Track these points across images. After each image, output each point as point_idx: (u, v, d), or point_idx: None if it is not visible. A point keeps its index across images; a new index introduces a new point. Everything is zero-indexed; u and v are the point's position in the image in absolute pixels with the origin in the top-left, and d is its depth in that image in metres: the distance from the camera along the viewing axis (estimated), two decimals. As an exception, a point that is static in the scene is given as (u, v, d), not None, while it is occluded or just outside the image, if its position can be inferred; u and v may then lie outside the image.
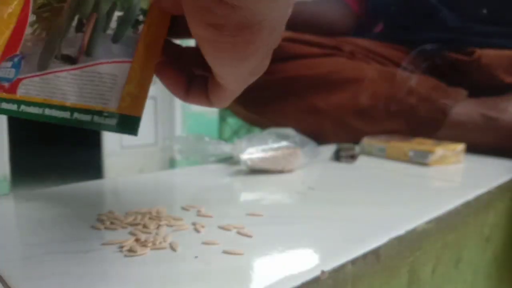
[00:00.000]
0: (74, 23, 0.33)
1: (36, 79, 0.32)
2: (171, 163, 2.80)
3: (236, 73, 0.24)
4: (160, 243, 0.25)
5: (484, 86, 0.69)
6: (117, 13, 0.34)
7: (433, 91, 0.65)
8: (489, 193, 0.41)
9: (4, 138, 2.14)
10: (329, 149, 0.58)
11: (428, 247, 0.32)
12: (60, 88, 0.32)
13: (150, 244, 0.24)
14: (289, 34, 0.73)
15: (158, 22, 0.34)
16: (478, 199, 0.38)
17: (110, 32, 0.33)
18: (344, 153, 0.53)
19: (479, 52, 0.70)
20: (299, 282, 0.21)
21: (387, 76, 0.68)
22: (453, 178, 0.48)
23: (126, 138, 2.77)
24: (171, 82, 0.28)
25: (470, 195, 0.38)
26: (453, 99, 0.64)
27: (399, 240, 0.28)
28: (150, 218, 0.29)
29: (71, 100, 0.32)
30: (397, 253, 0.28)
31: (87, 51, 0.32)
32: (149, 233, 0.27)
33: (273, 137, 0.47)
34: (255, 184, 0.42)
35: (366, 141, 0.60)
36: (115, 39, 0.33)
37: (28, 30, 0.31)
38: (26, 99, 0.32)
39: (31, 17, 0.31)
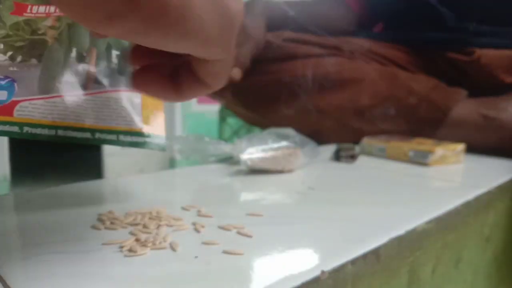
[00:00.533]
0: (74, 54, 0.34)
1: (40, 102, 0.32)
2: (171, 163, 2.80)
3: (201, 36, 0.20)
4: (160, 243, 0.25)
5: (484, 86, 0.69)
6: (115, 52, 0.36)
7: (433, 91, 0.65)
8: (489, 193, 0.41)
9: (4, 138, 2.14)
10: (329, 149, 0.58)
11: (428, 247, 0.32)
12: (73, 111, 0.34)
13: (150, 244, 0.24)
14: (289, 34, 0.73)
15: None
16: (478, 199, 0.38)
17: (114, 66, 0.36)
18: (344, 153, 0.53)
19: (478, 52, 0.70)
20: (299, 282, 0.21)
21: (387, 76, 0.68)
22: (453, 178, 0.48)
23: (126, 138, 2.76)
24: (154, 89, 0.25)
25: (470, 195, 0.38)
26: (453, 99, 0.64)
27: (399, 240, 0.28)
28: (150, 218, 0.29)
29: (89, 121, 0.34)
30: (397, 253, 0.28)
31: (97, 80, 0.35)
32: (149, 233, 0.27)
33: (273, 137, 0.47)
34: (255, 184, 0.42)
35: (366, 141, 0.60)
36: (121, 72, 0.36)
37: (1, 57, 0.31)
38: (29, 121, 0.32)
39: None
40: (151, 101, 0.38)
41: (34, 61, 0.33)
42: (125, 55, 0.37)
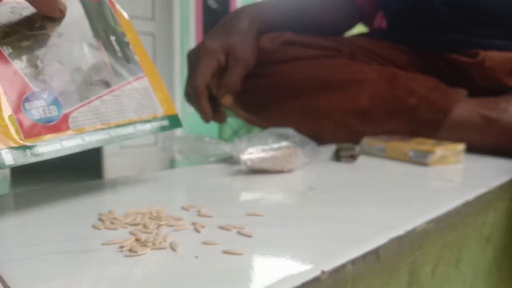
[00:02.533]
0: (86, 50, 0.34)
1: (84, 108, 0.32)
2: (171, 163, 2.80)
3: None
4: (160, 243, 0.25)
5: (486, 89, 0.68)
6: (112, 37, 0.37)
7: (433, 92, 0.65)
8: (489, 193, 0.41)
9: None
10: (329, 149, 0.58)
11: (428, 247, 0.32)
12: (112, 110, 0.34)
13: (150, 244, 0.24)
14: (289, 36, 0.73)
15: (134, 37, 0.39)
16: (478, 199, 0.38)
17: (119, 54, 0.37)
18: (344, 153, 0.53)
19: (482, 54, 0.69)
20: (299, 282, 0.21)
21: (387, 77, 0.68)
22: (453, 178, 0.48)
23: (126, 138, 2.77)
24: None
25: (470, 195, 0.38)
26: (453, 99, 0.64)
27: (399, 240, 0.28)
28: (150, 218, 0.29)
29: (126, 117, 0.35)
30: (397, 253, 0.28)
31: (117, 73, 0.36)
32: (149, 233, 0.27)
33: (273, 137, 0.47)
34: (255, 184, 0.42)
35: (366, 141, 0.60)
36: (127, 59, 0.37)
37: (19, 65, 0.29)
38: (85, 130, 0.32)
39: (6, 51, 0.29)
40: (155, 83, 0.39)
41: (58, 66, 0.32)
42: (120, 39, 0.38)
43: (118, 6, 0.39)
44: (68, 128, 0.31)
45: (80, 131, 0.31)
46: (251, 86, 0.68)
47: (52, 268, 0.21)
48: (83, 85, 0.33)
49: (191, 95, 0.65)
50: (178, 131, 2.92)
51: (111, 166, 2.69)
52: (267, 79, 0.69)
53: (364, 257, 0.25)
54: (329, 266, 0.23)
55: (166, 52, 2.92)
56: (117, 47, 0.37)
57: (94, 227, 0.28)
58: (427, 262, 0.32)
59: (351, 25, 0.88)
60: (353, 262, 0.24)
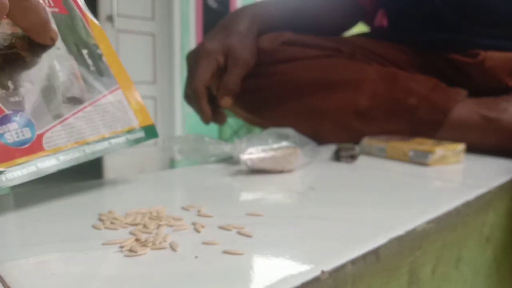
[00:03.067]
0: (58, 67, 0.34)
1: (58, 127, 0.32)
2: (171, 163, 2.80)
3: None
4: (160, 243, 0.25)
5: (487, 89, 0.68)
6: (84, 51, 0.36)
7: (433, 92, 0.65)
8: (489, 193, 0.41)
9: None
10: (329, 149, 0.58)
11: (428, 247, 0.32)
12: (86, 127, 0.34)
13: (150, 244, 0.24)
14: (289, 36, 0.73)
15: (108, 49, 0.39)
16: (478, 199, 0.38)
17: (92, 68, 0.36)
18: (344, 153, 0.53)
19: (483, 54, 0.69)
20: (299, 282, 0.21)
21: (387, 77, 0.68)
22: (453, 178, 0.48)
23: (126, 138, 2.77)
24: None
25: (470, 195, 0.38)
26: (453, 99, 0.64)
27: (399, 240, 0.28)
28: (150, 218, 0.29)
29: (101, 132, 0.35)
30: (397, 253, 0.28)
31: (89, 89, 0.35)
32: (149, 233, 0.27)
33: (273, 137, 0.47)
34: (255, 184, 0.42)
35: (366, 141, 0.60)
36: (100, 73, 0.37)
37: None
38: (60, 149, 0.31)
39: None
40: (129, 95, 0.39)
41: (28, 85, 0.31)
42: (93, 52, 0.37)
43: (89, 15, 0.38)
44: (42, 149, 0.30)
45: (55, 151, 0.31)
46: (251, 86, 0.68)
47: (52, 268, 0.21)
48: (55, 103, 0.32)
49: (191, 96, 0.65)
50: (178, 131, 2.92)
51: (111, 166, 2.69)
52: (267, 79, 0.69)
53: (364, 257, 0.25)
54: (329, 266, 0.23)
55: (166, 52, 2.93)
56: (89, 61, 0.36)
57: (94, 227, 0.28)
58: (427, 262, 0.32)
59: (352, 24, 0.88)
60: (353, 262, 0.24)
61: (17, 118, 0.29)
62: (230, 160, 0.50)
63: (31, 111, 0.30)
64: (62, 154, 0.31)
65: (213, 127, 3.12)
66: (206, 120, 0.65)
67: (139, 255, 0.23)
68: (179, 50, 2.94)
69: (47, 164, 0.30)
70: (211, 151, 0.47)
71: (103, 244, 0.25)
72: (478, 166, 0.54)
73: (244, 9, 0.73)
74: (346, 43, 0.76)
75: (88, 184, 0.39)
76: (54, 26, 0.33)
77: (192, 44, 2.99)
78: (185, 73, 0.69)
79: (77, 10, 0.37)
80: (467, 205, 0.37)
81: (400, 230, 0.28)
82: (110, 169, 2.67)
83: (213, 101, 0.66)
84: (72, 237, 0.26)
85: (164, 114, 2.94)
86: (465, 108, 0.63)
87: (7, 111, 0.29)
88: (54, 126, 0.31)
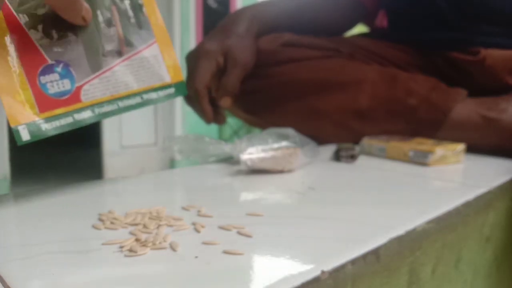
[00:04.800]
0: (101, 19, 0.34)
1: (96, 80, 0.33)
2: (171, 163, 2.80)
3: None
4: (160, 243, 0.25)
5: (487, 88, 0.68)
6: (126, 1, 0.36)
7: (433, 92, 0.65)
8: (489, 193, 0.41)
9: (4, 138, 2.14)
10: (329, 149, 0.58)
11: (428, 247, 0.32)
12: (122, 81, 0.34)
13: (150, 244, 0.24)
14: (289, 37, 0.73)
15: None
16: (478, 199, 0.38)
17: (132, 20, 0.36)
18: (344, 153, 0.53)
19: (484, 52, 0.69)
20: (299, 282, 0.21)
21: (387, 77, 0.68)
22: (453, 178, 0.48)
23: (126, 138, 2.77)
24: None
25: (470, 195, 0.38)
26: (453, 99, 0.64)
27: (399, 240, 0.28)
28: (150, 218, 0.29)
29: (135, 87, 0.35)
30: (397, 253, 0.28)
31: (127, 42, 0.36)
32: (149, 233, 0.27)
33: (273, 137, 0.47)
34: (255, 184, 0.42)
35: (366, 141, 0.60)
36: (140, 25, 0.37)
37: (35, 35, 0.29)
38: (95, 102, 0.32)
39: (23, 19, 0.29)
40: (165, 50, 0.39)
41: (72, 36, 0.32)
42: (134, 2, 0.37)
43: None
44: (79, 101, 0.31)
45: (91, 104, 0.32)
46: (251, 87, 0.68)
47: (52, 268, 0.21)
48: (95, 56, 0.33)
49: (192, 97, 0.65)
50: (178, 131, 2.92)
51: (111, 166, 2.69)
52: (267, 80, 0.69)
53: (364, 257, 0.25)
54: (329, 266, 0.23)
55: (166, 52, 2.92)
56: (130, 12, 0.36)
57: (94, 227, 0.28)
58: (427, 262, 0.32)
59: (353, 24, 0.88)
60: (353, 262, 0.24)
61: (58, 69, 0.30)
62: (230, 160, 0.50)
63: (72, 63, 0.31)
64: (97, 107, 0.32)
65: (213, 127, 3.12)
66: (208, 120, 0.65)
67: (139, 255, 0.23)
68: (179, 50, 2.93)
69: (83, 116, 0.31)
70: (211, 151, 0.47)
71: (103, 244, 0.25)
72: (478, 166, 0.54)
73: (243, 10, 0.73)
74: (345, 44, 0.76)
75: (88, 184, 0.39)
76: (85, 4, 0.32)
77: (192, 44, 2.99)
78: (184, 73, 0.69)
79: None
80: (467, 205, 0.37)
81: (400, 230, 0.28)
82: (110, 169, 2.67)
83: (213, 102, 0.66)
84: (72, 237, 0.26)
85: (164, 114, 2.94)
86: (465, 108, 0.63)
87: (50, 61, 0.30)
88: (93, 79, 0.32)
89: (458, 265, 0.38)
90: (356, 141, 0.62)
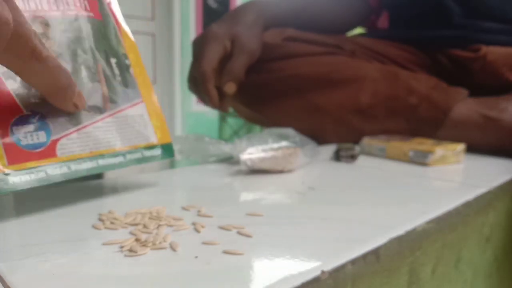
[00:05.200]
0: (84, 73, 0.33)
1: (74, 135, 0.31)
2: (171, 163, 2.80)
3: None
4: (160, 243, 0.25)
5: (488, 85, 0.68)
6: (112, 60, 0.36)
7: (434, 91, 0.65)
8: (489, 193, 0.41)
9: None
10: (329, 149, 0.58)
11: (428, 247, 0.32)
12: (103, 138, 0.33)
13: (150, 244, 0.24)
14: (291, 33, 0.73)
15: (136, 60, 0.38)
16: (478, 199, 0.38)
17: (118, 78, 0.35)
18: (344, 153, 0.53)
19: (484, 49, 0.69)
20: (299, 282, 0.21)
21: (388, 75, 0.68)
22: (453, 178, 0.48)
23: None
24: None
25: (470, 195, 0.38)
26: (453, 98, 0.64)
27: (399, 240, 0.28)
28: (150, 218, 0.29)
29: (118, 145, 0.34)
30: (397, 253, 0.28)
31: (111, 99, 0.34)
32: (149, 233, 0.27)
33: (273, 137, 0.47)
34: (255, 184, 0.42)
35: (366, 141, 0.60)
36: (126, 84, 0.36)
37: (12, 85, 0.28)
38: (73, 157, 0.30)
39: (0, 68, 0.28)
40: (152, 110, 0.38)
41: None
42: (121, 62, 0.36)
43: (122, 24, 0.38)
44: (54, 155, 0.29)
45: (67, 159, 0.30)
46: (253, 81, 0.68)
47: (52, 268, 0.21)
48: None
49: (197, 80, 0.64)
50: (178, 131, 2.92)
51: (111, 166, 2.68)
52: (268, 75, 0.69)
53: (364, 257, 0.25)
54: (329, 266, 0.23)
55: (166, 52, 2.93)
56: (116, 71, 0.35)
57: (94, 227, 0.28)
58: (427, 262, 0.32)
59: (357, 22, 0.88)
60: (353, 262, 0.24)
61: (34, 120, 0.28)
62: (230, 160, 0.50)
63: (50, 115, 0.29)
64: (74, 163, 0.30)
65: (213, 127, 3.12)
66: (213, 104, 0.64)
67: (139, 255, 0.23)
68: (179, 50, 2.94)
69: (57, 171, 0.29)
70: (211, 151, 0.47)
71: (103, 244, 0.25)
72: (478, 166, 0.54)
73: (251, 3, 0.74)
74: (347, 41, 0.76)
75: (88, 184, 0.39)
76: (78, 89, 0.30)
77: (192, 44, 2.99)
78: (185, 74, 0.69)
79: (112, 17, 0.37)
80: (467, 205, 0.37)
81: (400, 230, 0.28)
82: (110, 169, 2.67)
83: (217, 89, 0.65)
84: (72, 237, 0.26)
85: (164, 114, 2.94)
86: (465, 107, 0.63)
87: (25, 112, 0.28)
88: (71, 133, 0.31)
89: (458, 265, 0.38)
90: (356, 139, 0.62)
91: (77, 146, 0.31)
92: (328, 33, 0.76)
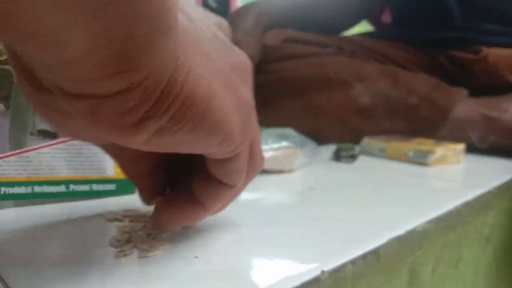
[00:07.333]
0: None
1: (13, 158, 0.29)
2: (171, 163, 2.80)
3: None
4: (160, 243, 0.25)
5: (489, 86, 0.68)
6: None
7: (434, 91, 0.65)
8: (489, 193, 0.41)
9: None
10: (329, 149, 0.58)
11: (428, 247, 0.32)
12: (46, 164, 0.31)
13: (150, 244, 0.24)
14: (291, 33, 0.73)
15: None
16: (478, 199, 0.38)
17: None
18: (344, 153, 0.53)
19: (486, 50, 0.69)
20: (299, 282, 0.21)
21: (388, 75, 0.68)
22: (453, 178, 0.48)
23: (126, 138, 2.77)
24: (185, 217, 0.24)
25: (470, 195, 0.38)
26: (453, 99, 0.64)
27: (399, 240, 0.28)
28: (150, 218, 0.29)
29: (62, 174, 0.32)
30: (397, 253, 0.28)
31: None
32: (149, 233, 0.27)
33: (273, 137, 0.47)
34: (255, 184, 0.42)
35: (366, 141, 0.60)
36: None
37: None
38: (5, 180, 0.29)
39: None
40: None
41: (1, 106, 0.29)
42: None
43: None
44: None
45: (2, 181, 0.29)
46: (253, 82, 0.68)
47: (52, 268, 0.21)
48: (20, 132, 0.30)
49: None
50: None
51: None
52: (268, 76, 0.69)
53: (364, 257, 0.25)
54: (329, 266, 0.23)
55: (166, 51, 2.92)
56: None
57: (95, 227, 0.28)
58: (427, 262, 0.32)
59: (358, 19, 0.88)
60: (353, 262, 0.24)
61: None
62: (230, 160, 0.50)
63: None
64: (6, 186, 0.29)
65: (213, 126, 3.11)
66: None
67: (139, 255, 0.23)
68: (179, 50, 2.93)
69: None
70: (211, 151, 0.47)
71: (103, 244, 0.25)
72: (478, 166, 0.54)
73: (251, 5, 0.73)
74: (347, 42, 0.76)
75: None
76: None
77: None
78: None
79: None
80: (467, 205, 0.37)
81: (400, 230, 0.28)
82: (110, 168, 2.67)
83: None
84: (72, 237, 0.26)
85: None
86: (466, 107, 0.63)
87: None
88: (9, 155, 0.29)
89: (458, 265, 0.38)
90: (356, 139, 0.62)
91: (13, 169, 0.30)
92: (330, 30, 0.76)
